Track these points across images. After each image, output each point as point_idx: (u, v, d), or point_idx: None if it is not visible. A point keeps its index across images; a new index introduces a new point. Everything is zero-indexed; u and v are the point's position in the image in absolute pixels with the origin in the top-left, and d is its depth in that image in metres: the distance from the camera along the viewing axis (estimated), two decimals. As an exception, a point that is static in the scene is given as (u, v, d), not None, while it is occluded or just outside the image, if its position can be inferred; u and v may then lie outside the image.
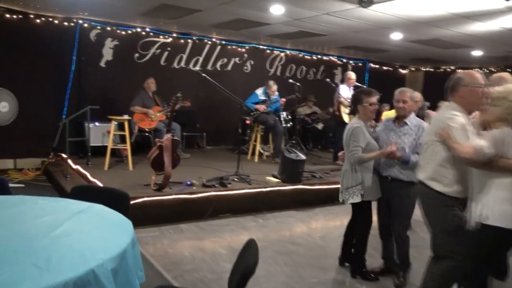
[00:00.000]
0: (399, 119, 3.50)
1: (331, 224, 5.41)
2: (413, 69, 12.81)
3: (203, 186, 5.36)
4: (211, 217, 5.12)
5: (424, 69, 12.69)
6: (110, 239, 2.02)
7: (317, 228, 5.24)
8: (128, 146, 6.32)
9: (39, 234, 2.00)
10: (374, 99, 3.55)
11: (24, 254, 1.76)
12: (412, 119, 3.45)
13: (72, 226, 2.14)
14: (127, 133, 6.30)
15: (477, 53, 8.68)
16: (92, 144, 6.81)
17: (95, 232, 2.11)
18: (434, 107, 9.53)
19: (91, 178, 5.62)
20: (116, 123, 6.75)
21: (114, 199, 2.94)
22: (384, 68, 12.11)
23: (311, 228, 5.17)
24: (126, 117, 6.35)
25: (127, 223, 2.27)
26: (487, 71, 11.15)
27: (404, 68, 12.67)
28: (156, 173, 5.17)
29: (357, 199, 3.56)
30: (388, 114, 5.17)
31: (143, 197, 4.72)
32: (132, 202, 4.62)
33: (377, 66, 11.90)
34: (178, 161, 5.34)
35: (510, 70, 10.60)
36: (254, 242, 2.07)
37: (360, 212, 3.69)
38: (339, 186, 6.26)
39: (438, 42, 7.64)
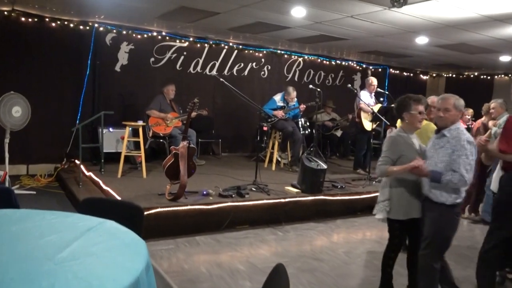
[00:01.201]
0: (439, 130, 3.10)
1: (354, 237, 5.12)
2: (434, 75, 12.44)
3: (220, 196, 5.12)
4: (228, 229, 4.88)
5: (446, 75, 12.31)
6: (121, 264, 1.79)
7: (340, 242, 4.95)
8: (142, 153, 6.13)
9: (43, 256, 1.78)
10: (423, 107, 3.19)
11: (23, 282, 1.54)
12: (452, 131, 2.98)
13: (80, 247, 1.92)
14: (141, 139, 6.10)
15: (505, 58, 8.29)
16: (106, 151, 6.64)
17: (105, 255, 1.88)
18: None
19: (104, 186, 5.43)
20: (130, 129, 6.60)
21: (127, 213, 2.72)
22: (405, 73, 11.77)
23: (333, 242, 4.89)
24: (140, 123, 6.16)
25: (140, 244, 2.03)
26: (513, 77, 10.77)
27: (425, 74, 12.30)
28: (171, 182, 4.95)
29: (381, 215, 3.26)
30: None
31: (157, 207, 4.50)
32: (145, 213, 4.43)
33: (397, 71, 11.57)
34: (194, 169, 5.12)
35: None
36: (283, 269, 1.81)
37: (389, 230, 3.37)
38: (361, 196, 6.08)
39: (464, 46, 7.31)
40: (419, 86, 12.00)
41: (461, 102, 3.02)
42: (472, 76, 11.70)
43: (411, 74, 11.93)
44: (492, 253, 3.28)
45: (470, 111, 8.49)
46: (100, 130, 6.48)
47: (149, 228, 4.40)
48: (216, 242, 4.54)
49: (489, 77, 11.34)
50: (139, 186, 5.53)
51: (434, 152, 3.04)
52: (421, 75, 12.24)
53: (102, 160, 6.25)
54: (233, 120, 9.00)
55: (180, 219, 4.62)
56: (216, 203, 4.88)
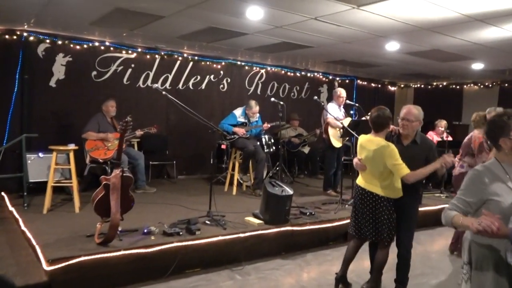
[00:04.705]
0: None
1: (327, 276, 4.25)
2: (402, 85, 12.00)
3: (164, 234, 4.20)
4: (174, 275, 3.97)
5: (414, 86, 11.90)
6: None
7: (311, 284, 4.12)
8: (74, 182, 5.13)
9: None
10: None
11: None
12: None
13: None
14: (72, 166, 5.11)
15: (477, 66, 7.82)
16: (34, 180, 5.64)
17: None
18: (426, 126, 8.68)
19: (22, 227, 4.43)
20: (64, 154, 5.62)
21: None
22: (373, 85, 11.26)
23: (304, 286, 4.05)
24: (71, 146, 5.18)
25: None
26: (482, 87, 10.42)
27: (393, 85, 11.85)
28: (103, 220, 4.02)
29: (463, 285, 2.22)
30: None
31: (79, 256, 3.53)
32: (64, 263, 3.49)
33: (365, 82, 11.06)
34: (133, 201, 4.20)
35: (507, 85, 9.91)
36: None
37: None
38: (333, 224, 5.30)
39: (437, 53, 6.76)
40: (388, 98, 11.55)
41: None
42: (440, 86, 11.31)
43: (379, 85, 11.45)
44: None
45: (444, 122, 7.98)
46: (24, 156, 5.43)
47: (71, 283, 3.48)
48: (158, 296, 3.64)
49: (458, 87, 10.97)
50: (67, 224, 4.54)
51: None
52: (389, 86, 11.78)
53: (25, 193, 5.21)
54: (190, 138, 8.11)
55: (111, 268, 3.67)
56: (159, 244, 3.96)
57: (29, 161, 5.71)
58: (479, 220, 1.83)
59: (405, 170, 3.35)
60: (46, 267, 3.44)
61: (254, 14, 4.83)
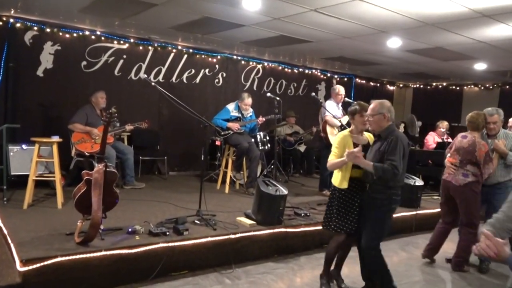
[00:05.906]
0: None
1: (321, 282, 4.06)
2: (401, 85, 11.80)
3: (150, 234, 3.95)
4: (159, 278, 3.73)
5: (413, 86, 11.69)
6: None
7: (304, 289, 3.91)
8: (57, 176, 4.87)
9: None
10: None
11: None
12: None
13: None
14: (55, 159, 4.85)
15: (480, 66, 7.61)
16: (16, 173, 5.38)
17: None
18: (425, 127, 8.41)
19: (0, 223, 4.17)
20: (49, 146, 5.35)
21: None
22: (371, 84, 11.05)
23: (296, 291, 3.84)
24: (55, 139, 4.92)
25: None
26: (482, 88, 10.24)
27: (392, 85, 11.65)
28: (84, 218, 3.78)
29: None
30: None
31: (56, 256, 3.28)
32: (39, 264, 3.24)
33: (363, 81, 10.84)
34: (117, 198, 3.95)
35: (507, 87, 9.73)
36: None
37: None
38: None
39: (440, 52, 6.54)
40: (386, 97, 11.24)
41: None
42: (440, 86, 11.11)
43: (378, 84, 11.23)
44: None
45: (445, 123, 7.78)
46: (5, 148, 5.17)
47: (45, 286, 3.23)
48: (140, 300, 3.40)
49: (458, 88, 10.77)
50: (47, 221, 4.28)
51: None
52: (388, 86, 11.57)
53: (5, 187, 4.95)
54: (183, 134, 7.85)
55: (90, 270, 3.42)
56: (144, 244, 3.72)
57: (11, 153, 5.45)
58: (477, 243, 1.72)
59: (330, 157, 3.52)
60: (19, 267, 3.19)
61: (251, 4, 4.59)
